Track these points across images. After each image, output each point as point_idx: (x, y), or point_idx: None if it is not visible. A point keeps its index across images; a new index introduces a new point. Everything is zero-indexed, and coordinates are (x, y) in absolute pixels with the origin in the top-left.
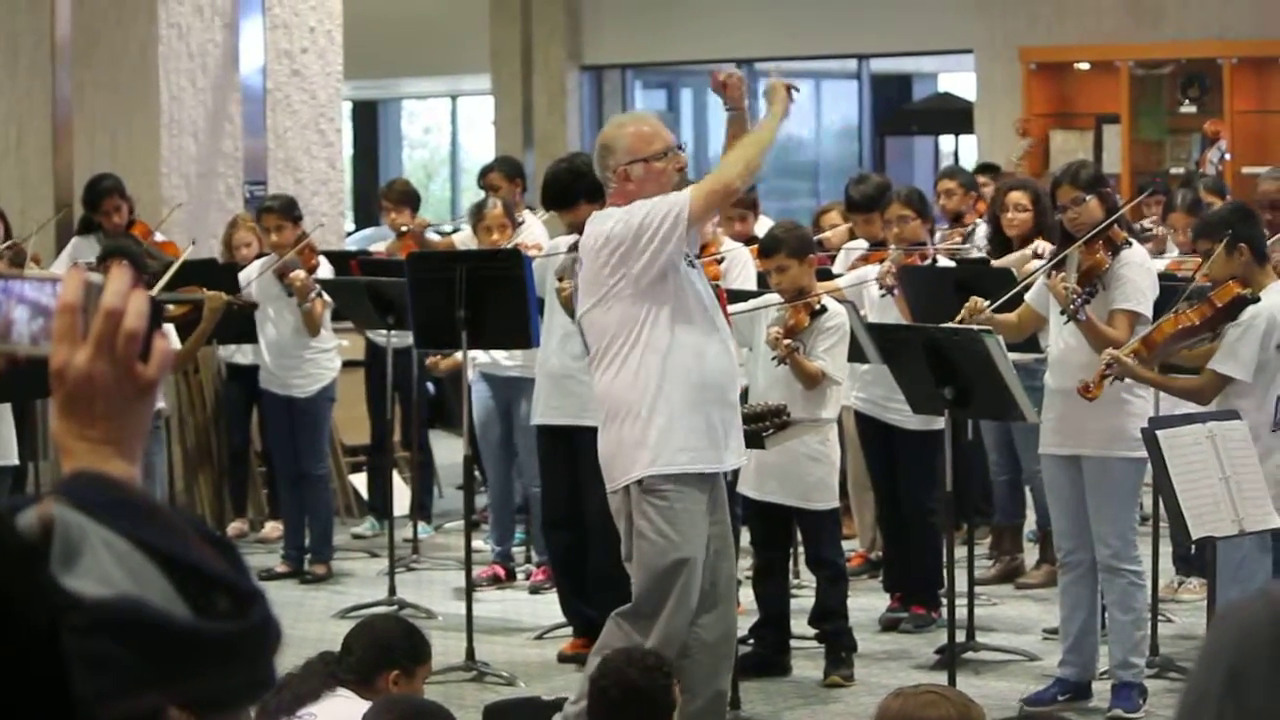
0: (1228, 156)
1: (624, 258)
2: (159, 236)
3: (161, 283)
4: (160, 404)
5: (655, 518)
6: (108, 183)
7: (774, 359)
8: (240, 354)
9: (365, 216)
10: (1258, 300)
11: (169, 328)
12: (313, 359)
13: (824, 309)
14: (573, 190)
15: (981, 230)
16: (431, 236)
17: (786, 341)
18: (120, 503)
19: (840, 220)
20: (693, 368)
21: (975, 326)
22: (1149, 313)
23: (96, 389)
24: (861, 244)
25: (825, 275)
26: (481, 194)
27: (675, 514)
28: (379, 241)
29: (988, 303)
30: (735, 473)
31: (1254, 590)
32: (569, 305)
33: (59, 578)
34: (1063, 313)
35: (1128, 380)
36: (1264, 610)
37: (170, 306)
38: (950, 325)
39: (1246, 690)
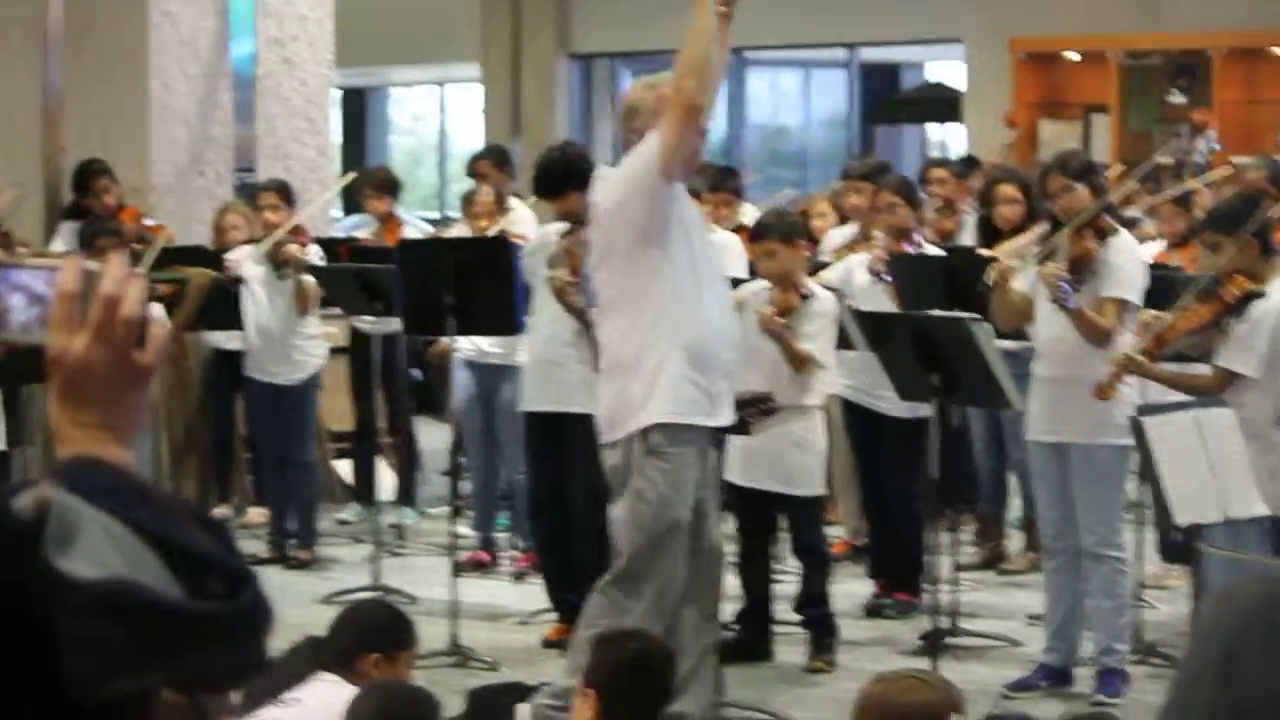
0: (1217, 147)
1: (622, 207)
2: (149, 221)
3: (144, 264)
4: None
5: (658, 478)
6: (97, 165)
7: (764, 334)
8: (230, 340)
9: (353, 203)
10: (1264, 295)
11: (155, 305)
12: (299, 345)
13: (811, 294)
14: (563, 179)
15: (971, 219)
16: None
17: (778, 318)
18: (115, 487)
19: (829, 210)
20: (697, 327)
21: (963, 314)
22: (1139, 300)
23: (94, 375)
24: (846, 231)
25: (814, 265)
26: (470, 182)
27: (677, 476)
28: (366, 228)
29: (1020, 261)
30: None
31: (1250, 573)
32: (561, 294)
33: (54, 560)
34: (1052, 300)
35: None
36: (1261, 592)
37: (159, 286)
38: (938, 313)
39: (1242, 670)
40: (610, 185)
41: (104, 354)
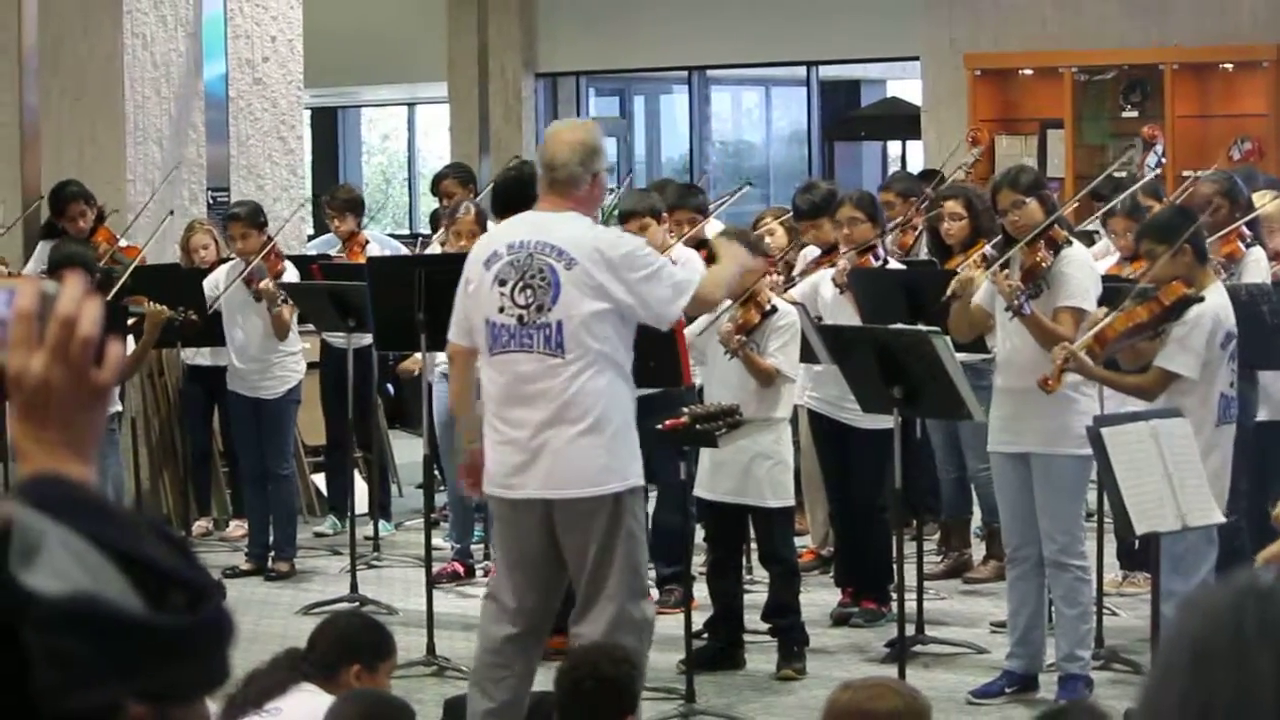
0: (1164, 160)
1: (639, 283)
2: (123, 242)
3: (115, 289)
4: (116, 406)
5: (641, 521)
6: (72, 189)
7: (726, 354)
8: (200, 356)
9: (323, 223)
10: (1201, 300)
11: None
12: (280, 362)
13: (774, 309)
14: (521, 198)
15: (924, 237)
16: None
17: (738, 336)
18: (77, 502)
19: (778, 227)
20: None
21: (924, 327)
22: (1093, 309)
23: (52, 394)
24: (816, 250)
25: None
26: (435, 200)
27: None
28: (334, 247)
29: (982, 273)
30: (691, 474)
31: (1204, 579)
32: None
33: (17, 575)
34: (1007, 309)
35: (1075, 378)
36: (1228, 594)
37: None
38: (900, 326)
39: (1210, 672)
40: (627, 253)
41: (62, 373)
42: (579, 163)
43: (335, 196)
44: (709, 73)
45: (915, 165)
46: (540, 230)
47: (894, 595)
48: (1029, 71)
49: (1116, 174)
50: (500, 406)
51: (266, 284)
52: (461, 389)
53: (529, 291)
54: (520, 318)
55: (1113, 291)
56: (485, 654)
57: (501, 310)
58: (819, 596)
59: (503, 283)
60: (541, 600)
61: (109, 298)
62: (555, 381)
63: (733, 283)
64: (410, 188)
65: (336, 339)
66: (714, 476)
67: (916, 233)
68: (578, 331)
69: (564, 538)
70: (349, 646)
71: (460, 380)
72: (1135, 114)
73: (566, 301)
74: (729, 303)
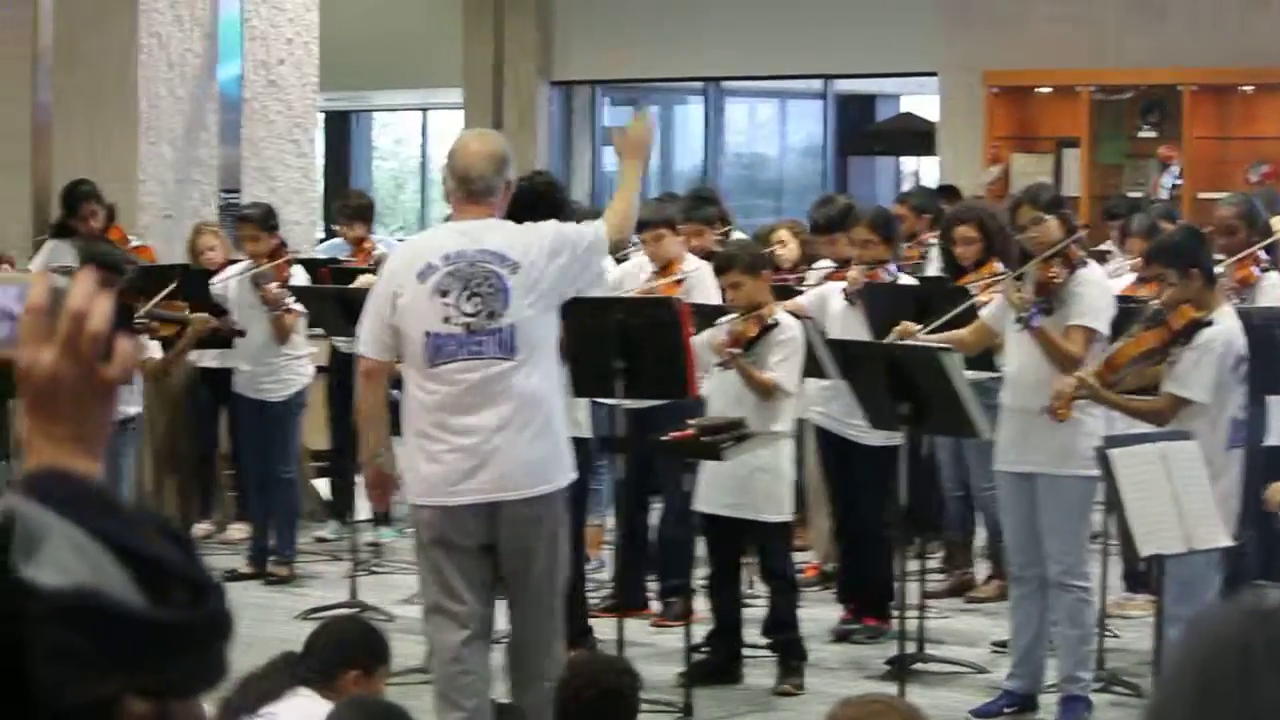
0: (1179, 181)
1: (571, 271)
2: (135, 241)
3: (155, 300)
4: (135, 409)
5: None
6: (85, 188)
7: (717, 364)
8: (207, 357)
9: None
10: (1211, 323)
11: (152, 343)
12: (286, 365)
13: (776, 323)
14: (533, 209)
15: (936, 252)
16: None
17: (731, 349)
18: (81, 497)
19: (789, 239)
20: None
21: (934, 344)
22: (1105, 330)
23: (61, 388)
24: (829, 263)
25: (791, 294)
26: (447, 206)
27: None
28: (343, 253)
29: (919, 326)
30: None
31: (1215, 603)
32: None
33: (19, 568)
34: (1016, 321)
35: (1083, 400)
36: (1234, 620)
37: (158, 325)
38: (909, 342)
39: (1214, 698)
40: (554, 245)
41: (71, 368)
42: (495, 173)
43: (346, 204)
44: (724, 84)
45: (930, 181)
46: (473, 239)
47: (895, 612)
48: (1046, 90)
49: (1132, 194)
50: (444, 416)
51: (269, 288)
52: (377, 403)
53: (477, 299)
54: (468, 326)
55: (1127, 312)
56: (445, 664)
57: (447, 320)
58: (821, 612)
59: (444, 293)
60: (485, 603)
61: (154, 302)
62: (508, 384)
63: (633, 210)
64: (423, 193)
65: (344, 343)
66: (712, 489)
67: (923, 249)
68: (529, 332)
69: (512, 539)
70: (346, 652)
71: (378, 395)
72: (1153, 134)
73: (517, 305)
74: (731, 318)
